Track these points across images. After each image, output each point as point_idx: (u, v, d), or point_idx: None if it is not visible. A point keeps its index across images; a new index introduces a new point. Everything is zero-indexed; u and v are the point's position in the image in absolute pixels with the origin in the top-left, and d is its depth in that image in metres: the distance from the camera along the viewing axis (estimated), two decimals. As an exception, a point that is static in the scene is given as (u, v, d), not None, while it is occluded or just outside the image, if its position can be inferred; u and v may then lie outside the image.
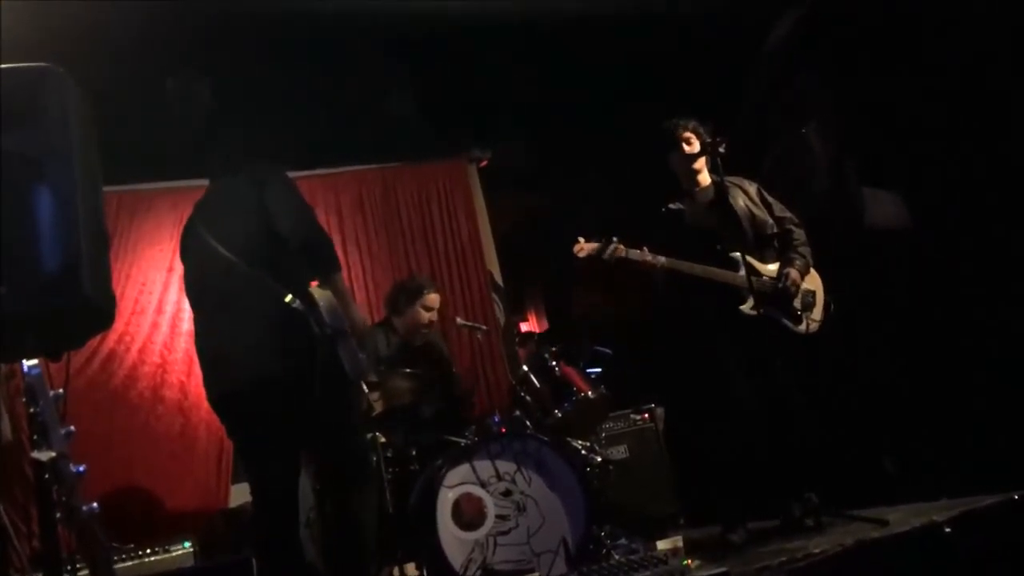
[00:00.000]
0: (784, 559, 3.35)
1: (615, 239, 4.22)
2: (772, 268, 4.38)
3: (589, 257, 4.25)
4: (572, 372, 4.72)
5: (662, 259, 4.17)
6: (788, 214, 4.53)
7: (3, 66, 2.02)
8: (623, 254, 4.20)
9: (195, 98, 5.33)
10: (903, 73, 5.44)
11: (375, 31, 5.31)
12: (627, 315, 7.22)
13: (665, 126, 4.50)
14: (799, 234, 4.48)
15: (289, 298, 3.16)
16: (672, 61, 5.80)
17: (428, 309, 5.05)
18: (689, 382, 5.18)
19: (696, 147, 4.41)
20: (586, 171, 7.19)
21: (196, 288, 3.45)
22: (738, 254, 4.21)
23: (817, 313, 4.42)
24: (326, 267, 3.40)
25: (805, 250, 4.44)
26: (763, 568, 3.30)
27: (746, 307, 4.18)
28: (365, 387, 3.81)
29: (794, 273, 4.33)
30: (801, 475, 4.20)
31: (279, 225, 3.25)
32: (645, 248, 4.21)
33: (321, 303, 3.26)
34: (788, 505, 4.19)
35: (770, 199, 4.54)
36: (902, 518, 3.71)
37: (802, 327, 4.35)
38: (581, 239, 4.27)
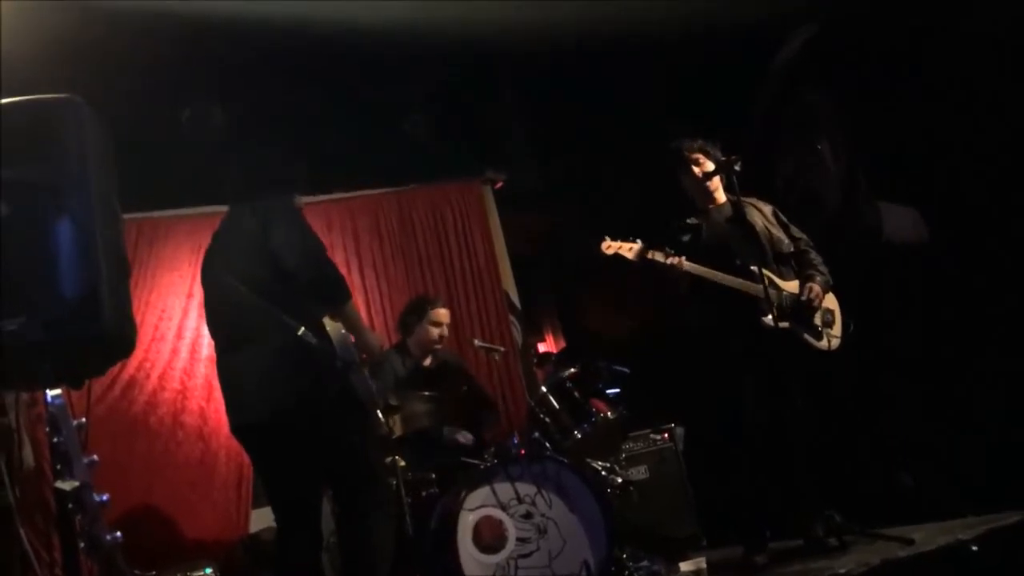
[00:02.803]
0: (809, 580, 3.32)
1: (639, 240, 4.26)
2: (792, 284, 4.37)
3: (616, 256, 4.30)
4: (591, 392, 4.70)
5: (687, 264, 4.18)
6: (804, 236, 4.53)
7: (23, 98, 2.05)
8: (650, 256, 4.22)
9: (210, 128, 5.39)
10: (912, 87, 5.44)
11: (388, 55, 5.34)
12: (643, 334, 7.20)
13: (672, 147, 4.52)
14: (816, 256, 4.48)
15: (302, 331, 3.17)
16: (684, 81, 5.82)
17: (436, 324, 5.05)
18: (707, 401, 5.16)
19: (708, 166, 4.42)
20: (600, 190, 7.20)
21: (212, 319, 3.48)
22: (756, 268, 4.21)
23: (837, 330, 4.40)
24: (336, 300, 3.39)
25: (824, 269, 4.44)
26: (788, 589, 3.28)
27: (768, 319, 4.16)
28: (381, 414, 3.81)
29: (816, 287, 4.32)
30: (823, 494, 4.17)
31: (285, 264, 3.25)
32: (669, 252, 4.23)
33: (333, 336, 3.27)
34: (811, 524, 4.15)
35: (786, 220, 4.55)
36: (928, 536, 3.67)
37: (823, 343, 4.34)
38: (607, 237, 4.31)
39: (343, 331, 3.34)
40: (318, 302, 3.35)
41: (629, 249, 4.31)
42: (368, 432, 3.47)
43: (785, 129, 6.30)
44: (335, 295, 3.39)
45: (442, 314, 5.10)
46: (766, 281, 4.18)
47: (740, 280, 4.21)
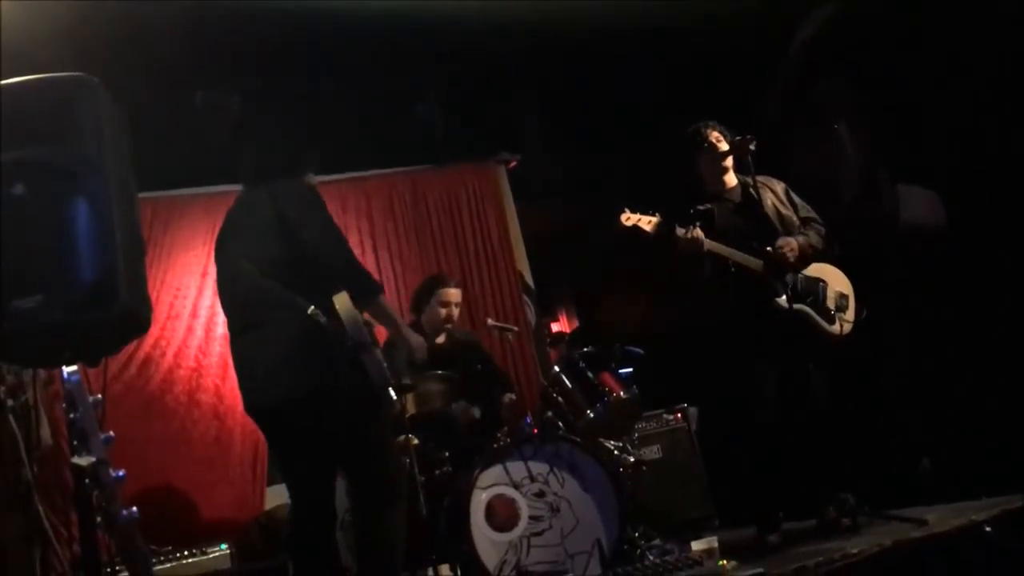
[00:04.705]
0: (821, 559, 3.33)
1: (657, 213, 4.25)
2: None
3: (634, 228, 4.27)
4: (604, 372, 4.70)
5: (708, 241, 4.16)
6: (813, 214, 4.52)
7: (38, 77, 2.05)
8: (668, 228, 4.21)
9: (224, 109, 5.38)
10: (929, 71, 5.39)
11: (404, 35, 5.32)
12: (656, 315, 7.20)
13: (690, 129, 4.51)
14: (818, 226, 4.46)
15: (311, 310, 3.18)
16: (702, 69, 5.79)
17: (445, 304, 5.03)
18: (722, 381, 5.16)
19: (724, 147, 4.41)
20: (614, 178, 7.19)
21: (225, 300, 3.50)
22: (771, 249, 4.21)
23: (850, 315, 4.40)
24: (368, 294, 3.36)
25: (814, 235, 4.40)
26: (800, 569, 3.28)
27: (781, 300, 4.17)
28: (394, 393, 3.82)
29: (793, 242, 4.28)
30: (837, 475, 4.17)
31: (318, 257, 3.25)
32: (689, 228, 4.21)
33: (344, 316, 3.26)
34: (824, 505, 4.15)
35: (797, 200, 4.53)
36: (941, 518, 3.67)
37: (835, 328, 4.34)
38: (627, 208, 4.28)
39: (354, 310, 3.33)
40: (352, 296, 3.32)
41: (648, 223, 4.25)
42: (380, 412, 3.47)
43: (802, 112, 6.26)
44: (368, 288, 3.36)
45: (451, 294, 5.08)
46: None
47: (756, 261, 4.21)
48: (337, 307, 3.26)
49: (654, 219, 4.25)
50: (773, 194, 4.47)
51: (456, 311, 5.11)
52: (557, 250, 8.15)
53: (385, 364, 3.34)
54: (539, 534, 3.98)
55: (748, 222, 4.33)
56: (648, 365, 5.49)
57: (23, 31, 4.16)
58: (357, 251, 5.28)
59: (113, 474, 1.82)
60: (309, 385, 3.18)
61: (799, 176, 4.86)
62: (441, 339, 5.14)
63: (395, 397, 3.74)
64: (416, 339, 3.56)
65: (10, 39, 4.00)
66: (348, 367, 3.21)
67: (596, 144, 6.81)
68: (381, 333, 3.82)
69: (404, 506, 3.47)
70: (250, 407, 3.38)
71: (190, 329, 5.88)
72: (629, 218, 4.27)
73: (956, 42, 5.19)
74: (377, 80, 5.77)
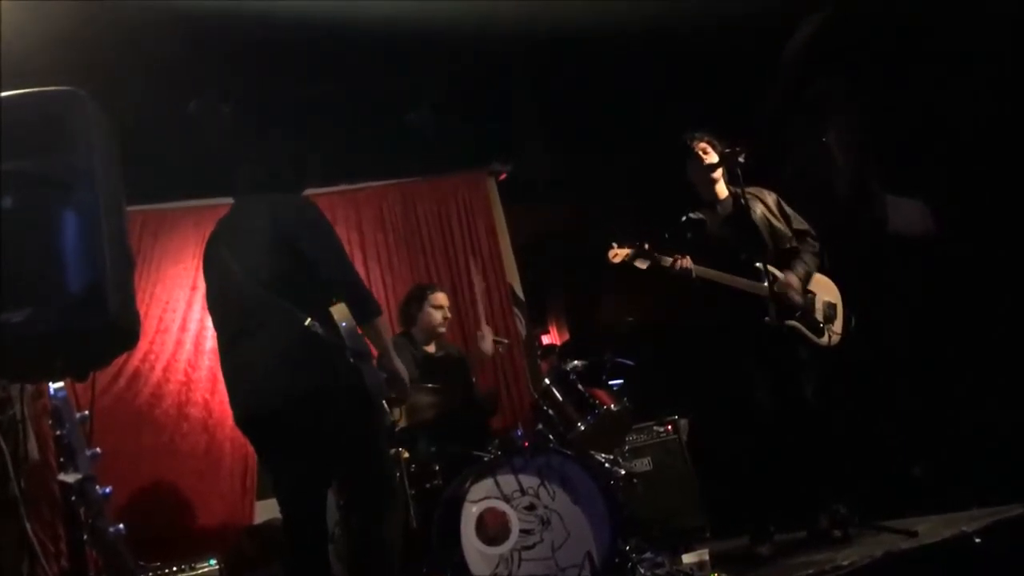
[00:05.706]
0: (812, 571, 3.34)
1: (647, 245, 4.25)
2: None
3: (623, 263, 4.29)
4: (594, 385, 4.71)
5: (691, 266, 4.18)
6: (806, 226, 4.52)
7: (29, 91, 2.05)
8: (656, 260, 4.22)
9: (217, 118, 5.38)
10: (929, 71, 5.40)
11: (394, 46, 5.33)
12: (652, 325, 7.20)
13: (681, 139, 4.54)
14: (810, 245, 4.47)
15: (308, 321, 3.16)
16: (702, 69, 5.81)
17: (438, 307, 5.07)
18: (713, 393, 5.16)
19: (713, 157, 4.43)
20: (609, 181, 7.20)
21: (217, 309, 3.46)
22: (760, 265, 4.22)
23: (838, 326, 4.41)
24: (367, 313, 3.33)
25: (810, 258, 4.43)
26: (791, 581, 3.29)
27: (770, 318, 4.19)
28: (386, 405, 3.81)
29: (791, 278, 4.32)
30: (829, 486, 4.18)
31: (321, 272, 3.24)
32: (676, 255, 4.23)
33: (342, 324, 3.25)
34: (815, 516, 4.16)
35: (789, 211, 4.54)
36: (932, 528, 3.68)
37: (824, 340, 4.35)
38: (615, 244, 4.31)
39: (352, 319, 3.31)
40: (353, 313, 3.31)
41: (634, 256, 4.28)
42: (377, 428, 3.45)
43: (795, 119, 6.28)
44: (368, 308, 3.34)
45: (441, 298, 5.12)
46: (770, 278, 4.20)
47: (745, 281, 4.23)
48: (336, 317, 3.25)
49: (640, 252, 4.27)
50: (764, 206, 4.48)
51: (448, 314, 5.14)
52: (554, 250, 8.16)
53: (384, 376, 3.33)
54: (530, 547, 3.96)
55: (738, 235, 4.34)
56: (639, 376, 5.50)
57: (11, 45, 4.15)
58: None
59: (100, 490, 1.81)
60: (309, 385, 3.16)
61: (796, 177, 4.87)
62: (431, 348, 5.14)
63: (387, 408, 3.73)
64: (402, 369, 3.50)
65: (8, 41, 4.01)
66: (347, 368, 3.19)
67: (596, 144, 6.81)
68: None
69: (402, 508, 3.45)
70: (243, 414, 3.33)
71: (179, 343, 5.86)
72: (616, 254, 4.31)
73: (956, 42, 5.20)
74: (373, 86, 5.77)
